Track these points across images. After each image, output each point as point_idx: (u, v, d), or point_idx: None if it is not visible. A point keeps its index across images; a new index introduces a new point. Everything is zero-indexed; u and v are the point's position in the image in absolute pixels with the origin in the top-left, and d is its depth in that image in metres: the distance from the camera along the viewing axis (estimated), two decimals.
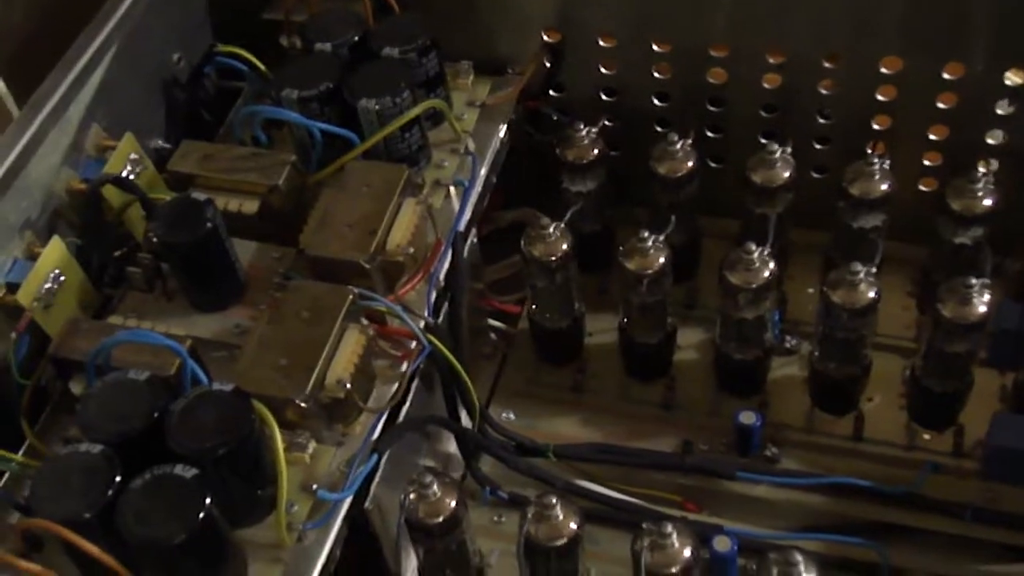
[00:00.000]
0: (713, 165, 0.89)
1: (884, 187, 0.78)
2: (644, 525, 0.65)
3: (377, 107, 0.74)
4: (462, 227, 0.77)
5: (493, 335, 0.89)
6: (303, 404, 0.65)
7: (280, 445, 0.62)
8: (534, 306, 0.83)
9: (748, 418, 0.78)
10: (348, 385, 0.66)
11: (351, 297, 0.68)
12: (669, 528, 0.64)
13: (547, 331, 0.83)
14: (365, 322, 0.69)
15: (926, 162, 0.84)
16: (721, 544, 0.73)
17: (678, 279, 0.85)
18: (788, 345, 0.84)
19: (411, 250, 0.72)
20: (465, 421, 0.77)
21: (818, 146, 0.86)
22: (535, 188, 0.90)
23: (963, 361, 0.74)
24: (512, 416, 0.84)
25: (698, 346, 0.85)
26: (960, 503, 0.75)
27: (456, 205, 0.78)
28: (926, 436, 0.79)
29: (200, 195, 0.71)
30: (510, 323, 0.89)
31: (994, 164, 0.83)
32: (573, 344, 0.85)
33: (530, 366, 0.87)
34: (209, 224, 0.69)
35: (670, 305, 0.81)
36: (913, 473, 0.77)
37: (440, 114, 0.80)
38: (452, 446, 0.80)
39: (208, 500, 0.58)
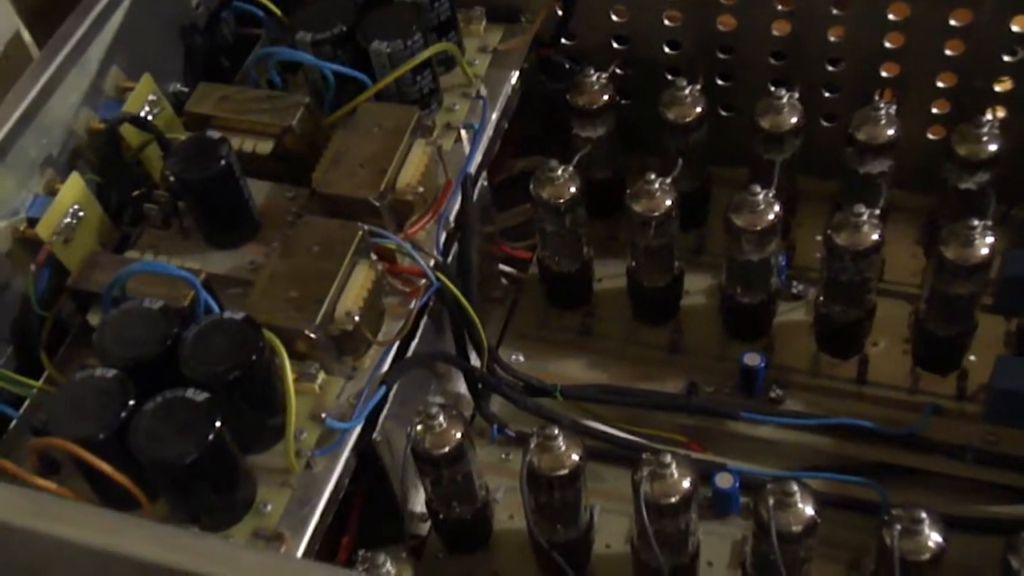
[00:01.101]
0: (724, 113, 0.90)
1: (890, 132, 0.79)
2: (644, 455, 0.66)
3: (389, 49, 0.76)
4: (472, 169, 0.78)
5: (504, 280, 0.90)
6: (312, 335, 0.66)
7: (289, 373, 0.64)
8: (543, 250, 0.84)
9: (752, 359, 0.79)
10: (357, 318, 0.68)
11: (361, 233, 0.70)
12: (668, 459, 0.65)
13: (556, 275, 0.85)
14: (374, 258, 0.70)
15: (935, 110, 0.85)
16: (723, 480, 0.75)
17: (688, 226, 0.87)
18: (795, 291, 0.85)
19: (420, 190, 0.73)
20: (475, 362, 0.79)
21: (828, 94, 0.86)
22: (549, 137, 0.91)
23: (966, 304, 0.75)
24: (521, 358, 0.85)
25: (706, 291, 0.86)
26: (961, 445, 0.76)
27: (467, 148, 0.79)
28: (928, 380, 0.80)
29: (215, 133, 0.72)
30: (521, 268, 0.90)
31: (1001, 112, 0.83)
32: (582, 288, 0.86)
33: (540, 310, 0.88)
34: (223, 161, 0.71)
35: (678, 250, 0.82)
36: (916, 416, 0.78)
37: (452, 59, 0.81)
38: (462, 386, 0.82)
39: (218, 423, 0.60)
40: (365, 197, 0.71)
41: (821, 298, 0.79)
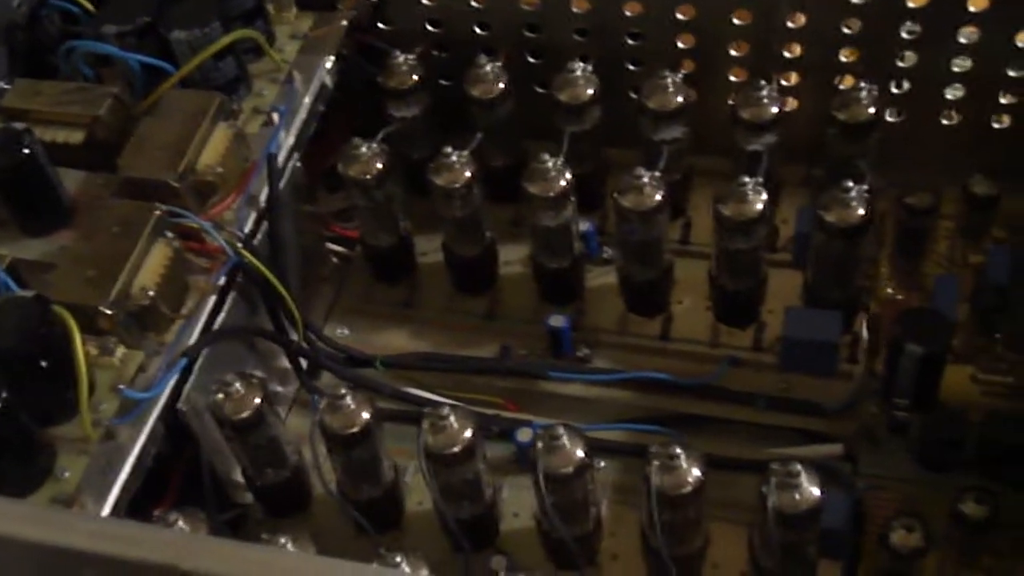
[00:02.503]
0: (539, 90, 0.93)
1: (679, 100, 0.82)
2: (425, 410, 0.70)
3: (188, 38, 0.79)
4: (278, 150, 0.81)
5: (335, 259, 0.93)
6: (108, 311, 0.70)
7: (79, 347, 0.67)
8: (362, 227, 0.88)
9: (557, 321, 0.83)
10: (152, 294, 0.71)
11: (157, 213, 0.73)
12: (446, 411, 0.69)
13: (375, 250, 0.88)
14: (170, 235, 0.74)
15: (732, 78, 0.89)
16: (523, 435, 0.79)
17: (506, 199, 0.91)
18: (606, 255, 0.89)
19: (220, 170, 0.77)
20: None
21: (632, 67, 0.90)
22: (377, 122, 0.94)
23: (748, 259, 0.79)
24: (347, 332, 0.89)
25: (522, 260, 0.90)
26: (754, 393, 0.80)
27: None
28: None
29: (19, 125, 0.75)
30: (352, 248, 0.94)
31: (795, 77, 0.88)
32: (402, 262, 0.90)
33: (366, 285, 0.91)
34: (26, 151, 0.74)
35: (488, 221, 0.86)
36: (716, 368, 0.82)
37: (261, 47, 0.85)
38: (287, 361, 0.85)
39: (3, 393, 0.63)
40: (164, 179, 0.75)
41: (620, 259, 0.83)
